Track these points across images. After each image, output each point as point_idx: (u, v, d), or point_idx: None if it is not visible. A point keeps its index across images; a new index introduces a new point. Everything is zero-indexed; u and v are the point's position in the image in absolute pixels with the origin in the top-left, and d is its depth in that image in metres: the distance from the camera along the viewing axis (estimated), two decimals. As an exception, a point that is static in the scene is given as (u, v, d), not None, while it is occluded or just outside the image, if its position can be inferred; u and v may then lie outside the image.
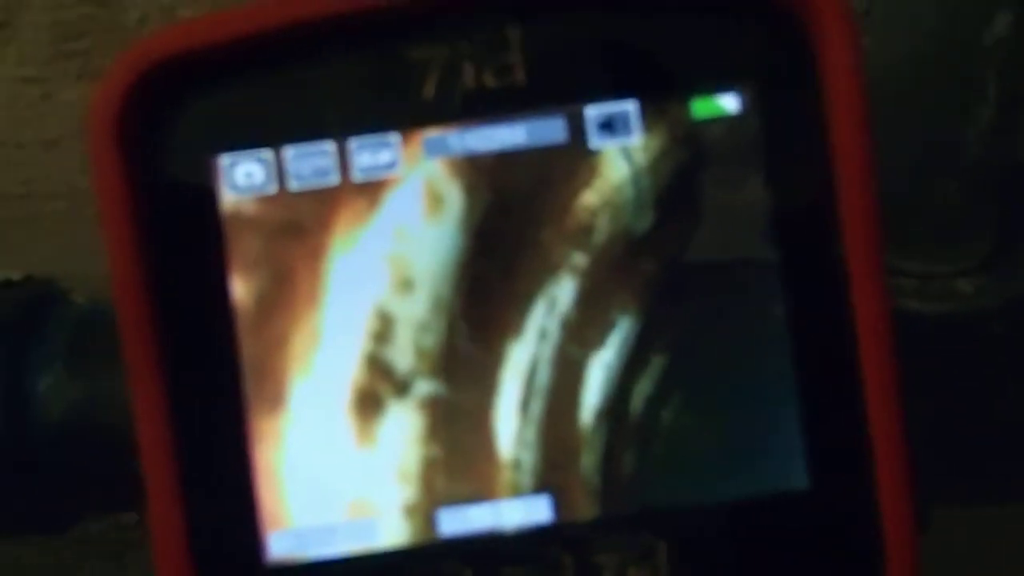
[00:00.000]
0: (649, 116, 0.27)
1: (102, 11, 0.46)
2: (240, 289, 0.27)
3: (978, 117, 0.36)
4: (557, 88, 0.27)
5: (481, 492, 0.27)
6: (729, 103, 0.27)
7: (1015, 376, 0.42)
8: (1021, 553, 0.62)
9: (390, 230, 0.27)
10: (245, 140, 0.27)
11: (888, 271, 0.40)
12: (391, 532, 0.27)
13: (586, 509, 0.27)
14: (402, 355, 0.27)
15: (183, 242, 0.27)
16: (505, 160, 0.27)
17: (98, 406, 0.44)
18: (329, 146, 0.27)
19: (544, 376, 0.27)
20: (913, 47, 0.36)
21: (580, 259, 0.27)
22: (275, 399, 0.27)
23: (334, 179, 0.27)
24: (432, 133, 0.27)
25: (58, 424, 0.44)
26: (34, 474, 0.44)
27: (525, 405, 0.27)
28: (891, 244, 0.40)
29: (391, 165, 0.27)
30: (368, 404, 0.27)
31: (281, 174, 0.27)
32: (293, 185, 0.27)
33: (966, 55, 0.35)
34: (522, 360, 0.27)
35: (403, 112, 0.27)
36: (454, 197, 0.27)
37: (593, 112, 0.27)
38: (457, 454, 0.27)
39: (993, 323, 0.39)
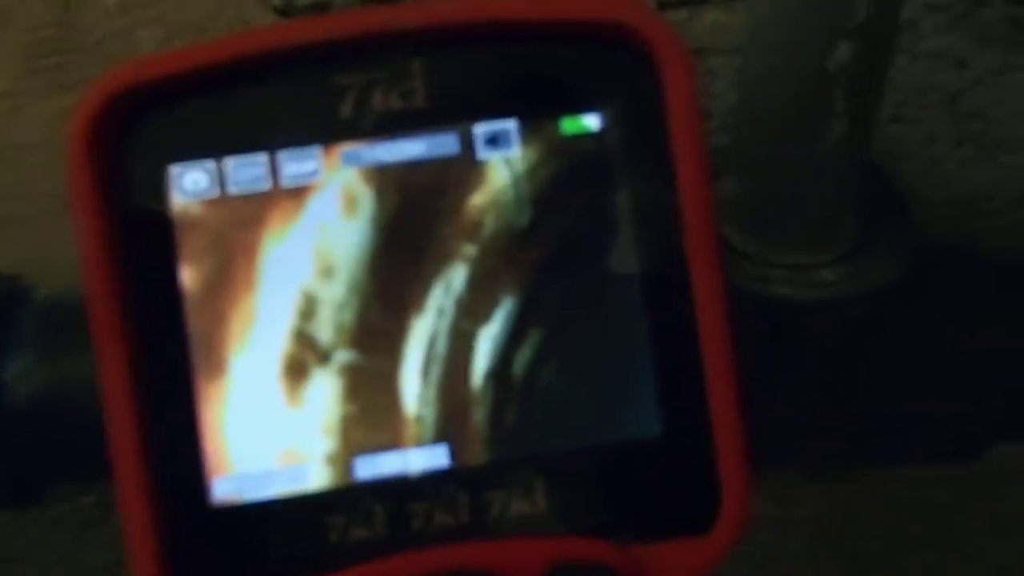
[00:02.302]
0: (527, 132, 0.29)
1: (69, 32, 0.46)
2: (188, 276, 0.29)
3: (831, 129, 0.38)
4: (451, 109, 0.29)
5: (390, 442, 0.29)
6: (592, 122, 0.29)
7: (870, 353, 0.45)
8: (868, 517, 0.65)
9: (314, 227, 0.29)
10: (192, 152, 0.29)
11: (761, 262, 0.43)
12: (316, 477, 0.29)
13: (478, 455, 0.29)
14: (324, 330, 0.29)
15: (141, 237, 0.29)
16: (408, 169, 0.29)
17: (61, 390, 0.47)
18: (262, 157, 0.29)
19: (442, 346, 0.29)
20: (776, 72, 0.38)
21: (471, 249, 0.29)
22: (218, 367, 0.29)
23: (266, 185, 0.29)
24: (348, 147, 0.29)
25: (25, 406, 0.46)
26: (2, 452, 0.47)
27: (426, 370, 0.29)
28: (765, 239, 0.43)
29: (314, 173, 0.29)
30: (296, 371, 0.29)
31: (222, 181, 0.29)
32: (232, 190, 0.29)
33: (816, 78, 0.37)
34: (423, 333, 0.29)
35: (324, 129, 0.29)
36: (366, 199, 0.29)
37: (481, 129, 0.29)
38: (370, 411, 0.29)
39: (853, 307, 0.41)
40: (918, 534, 0.65)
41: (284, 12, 0.46)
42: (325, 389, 0.29)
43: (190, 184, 0.29)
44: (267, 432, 0.29)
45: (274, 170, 0.29)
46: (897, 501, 0.63)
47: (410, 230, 0.29)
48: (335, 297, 0.29)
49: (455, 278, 0.29)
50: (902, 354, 0.45)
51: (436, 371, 0.29)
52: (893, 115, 0.48)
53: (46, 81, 0.48)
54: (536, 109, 0.29)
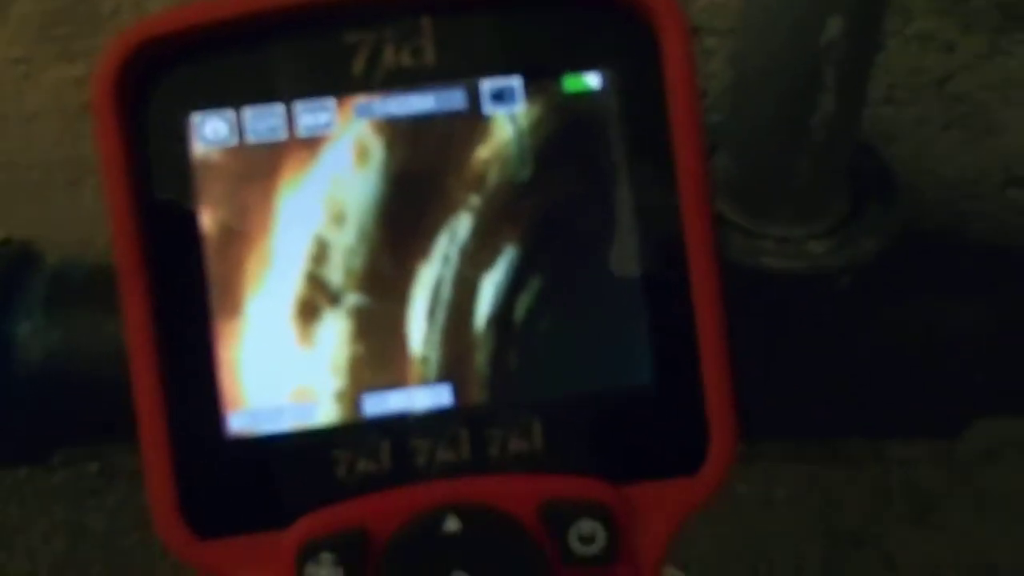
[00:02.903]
0: (530, 89, 0.30)
1: (81, 3, 0.47)
2: (207, 221, 0.30)
3: (821, 104, 0.40)
4: (458, 66, 0.30)
5: (396, 381, 0.30)
6: (592, 80, 0.30)
7: (855, 322, 0.46)
8: (849, 497, 0.66)
9: (327, 176, 0.30)
10: (212, 102, 0.30)
11: (751, 234, 0.44)
12: (326, 412, 0.30)
13: (479, 395, 0.30)
14: (335, 274, 0.30)
15: (163, 183, 0.30)
16: (417, 122, 0.30)
17: (72, 351, 0.48)
18: (279, 108, 0.30)
19: (446, 291, 0.30)
20: (769, 49, 0.39)
21: (475, 200, 0.30)
22: (234, 308, 0.30)
23: (283, 135, 0.30)
24: (361, 100, 0.30)
25: (37, 366, 0.48)
26: (13, 411, 0.48)
27: (431, 314, 0.30)
28: (753, 212, 0.44)
29: (328, 124, 0.30)
30: (308, 312, 0.30)
31: (241, 130, 0.30)
32: (250, 139, 0.30)
33: (807, 53, 0.38)
34: (429, 279, 0.30)
35: (338, 82, 0.30)
36: (377, 151, 0.30)
37: (487, 85, 0.30)
38: (378, 351, 0.30)
39: (838, 279, 0.43)
40: (900, 514, 0.65)
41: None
42: (335, 330, 0.30)
43: (210, 132, 0.30)
44: (280, 370, 0.30)
45: (290, 120, 0.30)
46: (879, 481, 0.64)
47: (418, 181, 0.30)
48: (346, 243, 0.30)
49: (460, 227, 0.30)
50: (887, 331, 0.47)
51: (441, 315, 0.30)
52: (885, 97, 0.49)
53: (57, 49, 0.49)
54: (540, 67, 0.30)
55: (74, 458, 0.61)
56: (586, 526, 0.29)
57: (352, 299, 0.30)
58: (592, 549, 0.29)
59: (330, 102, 0.30)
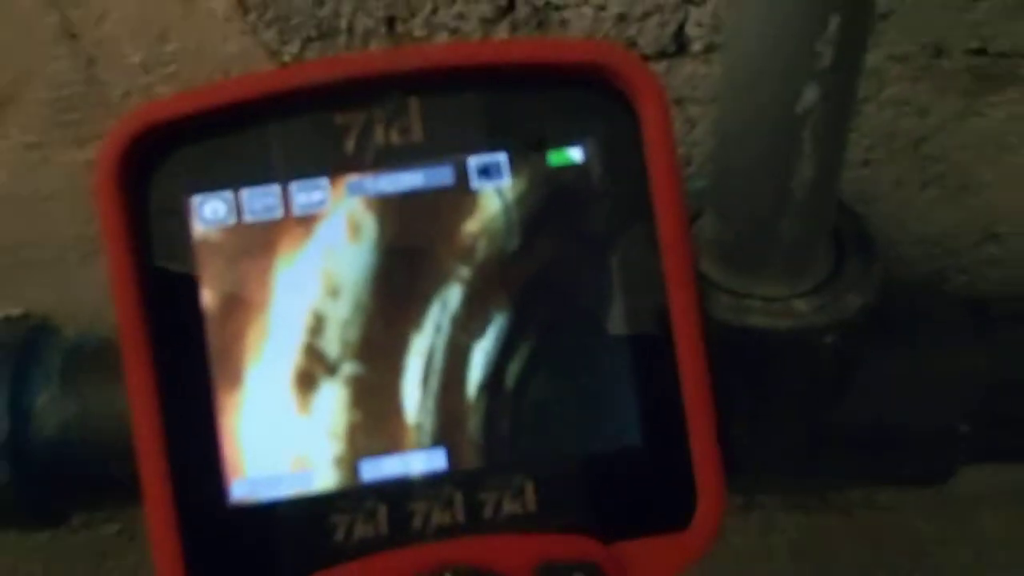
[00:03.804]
0: (516, 164, 0.30)
1: (92, 89, 0.47)
2: (208, 297, 0.30)
3: (800, 169, 0.39)
4: (446, 144, 0.30)
5: (392, 447, 0.30)
6: (576, 154, 0.30)
7: (841, 376, 0.46)
8: (846, 544, 0.65)
9: (321, 251, 0.30)
10: (211, 184, 0.30)
11: (737, 294, 0.44)
12: (324, 479, 0.30)
13: (473, 459, 0.30)
14: (332, 344, 0.30)
15: (165, 261, 0.30)
16: (408, 198, 0.30)
17: (86, 420, 0.47)
18: (275, 188, 0.30)
19: (439, 359, 0.30)
20: (749, 117, 0.38)
21: (465, 271, 0.30)
22: (235, 379, 0.30)
23: (278, 213, 0.30)
24: (353, 178, 0.30)
25: (53, 435, 0.47)
26: (32, 477, 0.47)
27: (425, 381, 0.30)
28: (739, 273, 0.44)
29: (322, 202, 0.30)
30: (306, 382, 0.30)
31: (239, 209, 0.30)
32: (247, 218, 0.30)
33: (786, 120, 0.37)
34: (422, 347, 0.30)
35: (331, 162, 0.30)
36: (370, 226, 0.30)
37: (474, 161, 0.30)
38: (374, 418, 0.30)
39: (824, 336, 0.42)
40: (896, 561, 0.64)
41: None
42: (333, 398, 0.30)
43: (209, 213, 0.30)
44: (279, 438, 0.30)
45: (286, 199, 0.30)
46: (874, 529, 0.64)
47: (410, 254, 0.30)
48: (341, 315, 0.30)
49: (451, 297, 0.30)
50: (874, 383, 0.46)
51: (434, 382, 0.30)
52: (863, 160, 0.49)
53: (70, 134, 0.49)
54: (525, 143, 0.30)
55: (94, 520, 0.60)
56: (580, 585, 0.29)
57: (348, 368, 0.30)
58: (587, 606, 0.29)
59: (323, 181, 0.30)
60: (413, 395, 0.30)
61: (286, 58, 0.46)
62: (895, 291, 0.45)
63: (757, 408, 0.45)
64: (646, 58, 0.46)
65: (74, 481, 0.47)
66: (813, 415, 0.46)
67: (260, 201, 0.30)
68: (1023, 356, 0.46)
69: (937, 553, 0.64)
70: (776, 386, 0.44)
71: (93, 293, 0.53)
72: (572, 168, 0.30)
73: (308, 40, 0.45)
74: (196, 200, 0.30)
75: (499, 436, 0.30)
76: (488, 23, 0.44)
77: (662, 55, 0.46)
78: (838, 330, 0.41)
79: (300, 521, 0.30)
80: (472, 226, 0.30)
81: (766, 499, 0.63)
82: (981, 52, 0.46)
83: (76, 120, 0.49)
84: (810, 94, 0.36)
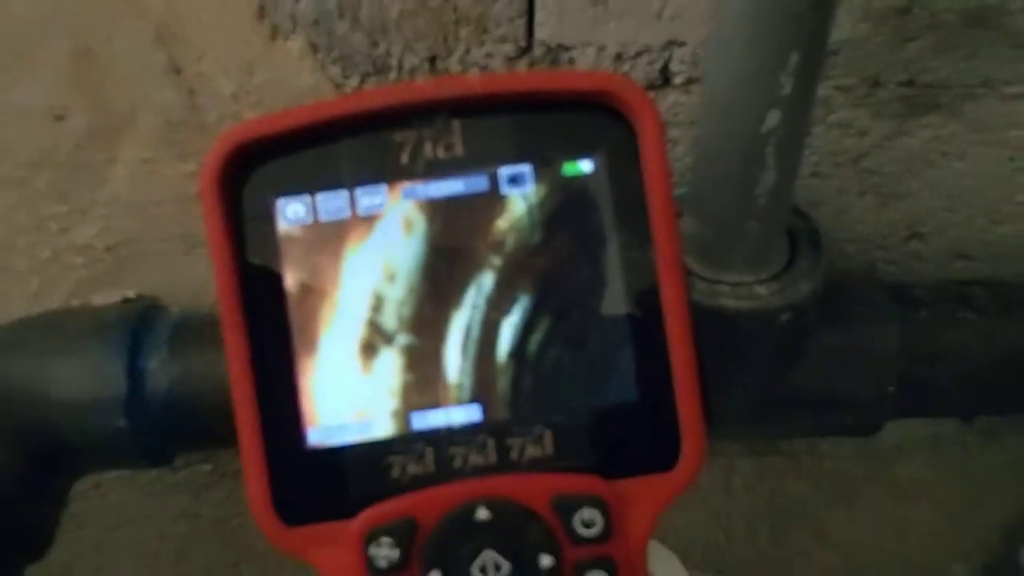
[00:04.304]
0: (538, 173, 0.30)
1: (193, 114, 0.47)
2: (290, 281, 0.30)
3: (763, 179, 0.39)
4: (482, 157, 0.30)
5: (437, 402, 0.30)
6: (586, 166, 0.30)
7: (793, 348, 0.46)
8: (791, 484, 0.65)
9: (381, 244, 0.30)
10: (293, 190, 0.30)
11: (711, 281, 0.44)
12: (382, 427, 0.30)
13: (502, 412, 0.30)
14: (389, 320, 0.30)
15: (256, 254, 0.30)
16: (450, 201, 0.30)
17: (189, 381, 0.48)
18: (344, 193, 0.30)
19: (475, 331, 0.30)
20: (721, 136, 0.38)
21: (496, 261, 0.30)
22: (311, 347, 0.30)
23: (347, 214, 0.30)
24: (407, 184, 0.30)
25: (162, 393, 0.47)
26: (145, 427, 0.48)
27: (464, 349, 0.30)
28: (712, 263, 0.43)
29: (381, 205, 0.30)
30: (368, 349, 0.30)
31: (315, 211, 0.30)
32: (322, 218, 0.30)
33: (752, 139, 0.37)
34: (462, 322, 0.30)
35: (389, 171, 0.30)
36: (420, 224, 0.30)
37: (504, 172, 0.30)
38: (422, 379, 0.30)
39: (780, 315, 0.42)
40: (832, 498, 0.64)
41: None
42: (389, 363, 0.30)
43: (291, 213, 0.30)
44: (347, 394, 0.30)
45: (352, 202, 0.30)
46: (814, 471, 0.64)
47: (452, 246, 0.30)
48: (397, 296, 0.30)
49: (485, 282, 0.30)
50: (820, 354, 0.46)
51: (471, 349, 0.30)
52: (812, 172, 0.48)
53: (176, 151, 0.49)
54: (545, 156, 0.30)
55: (191, 460, 0.61)
56: (587, 513, 0.29)
57: (402, 339, 0.30)
58: (593, 531, 0.29)
59: (383, 187, 0.30)
60: (454, 360, 0.30)
61: (347, 89, 0.46)
62: (836, 278, 0.45)
63: (726, 373, 0.45)
64: (637, 89, 0.45)
65: (178, 430, 0.48)
66: (771, 379, 0.46)
67: (331, 204, 0.30)
68: (937, 331, 0.46)
69: (864, 491, 0.64)
70: (741, 355, 0.44)
71: (194, 279, 0.53)
72: (582, 177, 0.30)
73: (366, 75, 0.45)
74: (281, 203, 0.30)
75: (523, 393, 0.30)
76: (511, 60, 0.44)
77: (651, 87, 0.46)
78: (792, 310, 0.42)
79: (363, 461, 0.29)
80: (502, 224, 0.30)
81: (728, 446, 0.63)
82: (911, 84, 0.46)
83: (181, 140, 0.49)
84: (773, 118, 0.36)
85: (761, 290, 0.42)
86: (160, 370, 0.48)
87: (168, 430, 0.48)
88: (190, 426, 0.48)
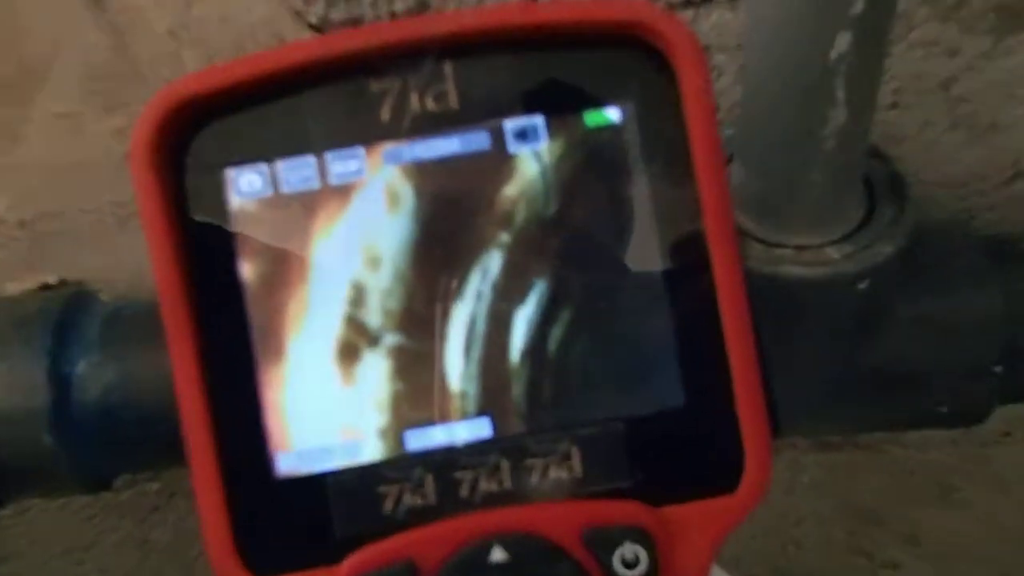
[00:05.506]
0: (553, 126, 0.29)
1: (121, 56, 0.46)
2: (247, 270, 0.29)
3: (832, 117, 0.38)
4: (481, 108, 0.29)
5: (437, 416, 0.30)
6: (613, 114, 0.29)
7: (874, 323, 0.45)
8: (869, 480, 0.65)
9: (360, 221, 0.29)
10: (246, 156, 0.29)
11: (769, 243, 0.43)
12: (371, 449, 0.30)
13: (517, 426, 0.30)
14: (373, 315, 0.30)
15: (203, 236, 0.29)
16: (444, 164, 0.29)
17: (128, 385, 0.48)
18: (310, 159, 0.29)
19: (481, 327, 0.30)
20: (778, 66, 0.38)
21: (504, 237, 0.30)
22: (277, 353, 0.29)
23: (315, 184, 0.29)
24: (389, 146, 0.29)
25: (95, 402, 0.47)
26: (76, 445, 0.47)
27: (468, 349, 0.30)
28: (770, 222, 0.43)
29: (358, 171, 0.29)
30: (349, 353, 0.30)
31: (275, 181, 0.29)
32: (284, 189, 0.29)
33: (817, 69, 0.36)
34: (464, 315, 0.30)
35: (366, 130, 0.29)
36: (407, 194, 0.30)
37: (510, 125, 0.29)
38: (417, 388, 0.30)
39: (856, 283, 0.41)
40: (922, 496, 0.64)
41: (319, 29, 0.46)
42: (376, 369, 0.30)
43: (245, 185, 0.30)
44: (324, 410, 0.30)
45: (322, 170, 0.29)
46: (899, 464, 0.63)
47: (448, 221, 0.30)
48: (381, 285, 0.30)
49: (491, 264, 0.30)
50: (906, 328, 0.45)
51: (477, 350, 0.30)
52: (891, 102, 0.48)
53: (101, 102, 0.48)
54: (561, 105, 0.29)
55: (136, 479, 0.61)
56: (629, 550, 0.29)
57: (390, 339, 0.30)
58: (636, 572, 0.29)
59: (359, 150, 0.30)
60: (456, 364, 0.29)
61: (312, 19, 0.45)
62: (924, 233, 0.44)
63: (789, 356, 0.44)
64: (672, 6, 0.45)
65: (117, 446, 0.47)
66: (845, 362, 0.45)
67: (296, 172, 0.29)
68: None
69: (962, 486, 0.63)
70: (807, 334, 0.44)
71: (130, 259, 0.53)
72: (609, 129, 0.29)
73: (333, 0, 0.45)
74: (231, 173, 0.29)
75: (543, 402, 0.30)
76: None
77: (688, 3, 0.45)
78: (870, 277, 0.41)
79: (347, 492, 0.29)
80: (510, 191, 0.29)
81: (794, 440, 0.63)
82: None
83: (106, 88, 0.48)
84: (843, 41, 0.35)
85: (832, 253, 0.42)
86: (91, 374, 0.47)
87: (104, 447, 0.47)
88: (131, 441, 0.48)
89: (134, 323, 0.49)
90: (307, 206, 0.29)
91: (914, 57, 0.48)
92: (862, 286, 0.42)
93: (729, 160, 0.43)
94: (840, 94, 0.37)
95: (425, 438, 0.30)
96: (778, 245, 0.42)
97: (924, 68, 0.48)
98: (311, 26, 0.46)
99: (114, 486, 0.52)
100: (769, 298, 0.42)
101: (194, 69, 0.49)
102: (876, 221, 0.43)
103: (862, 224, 0.43)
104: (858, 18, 0.35)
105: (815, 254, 0.42)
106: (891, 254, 0.41)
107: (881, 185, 0.44)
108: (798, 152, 0.40)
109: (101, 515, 0.63)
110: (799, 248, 0.42)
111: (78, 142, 0.49)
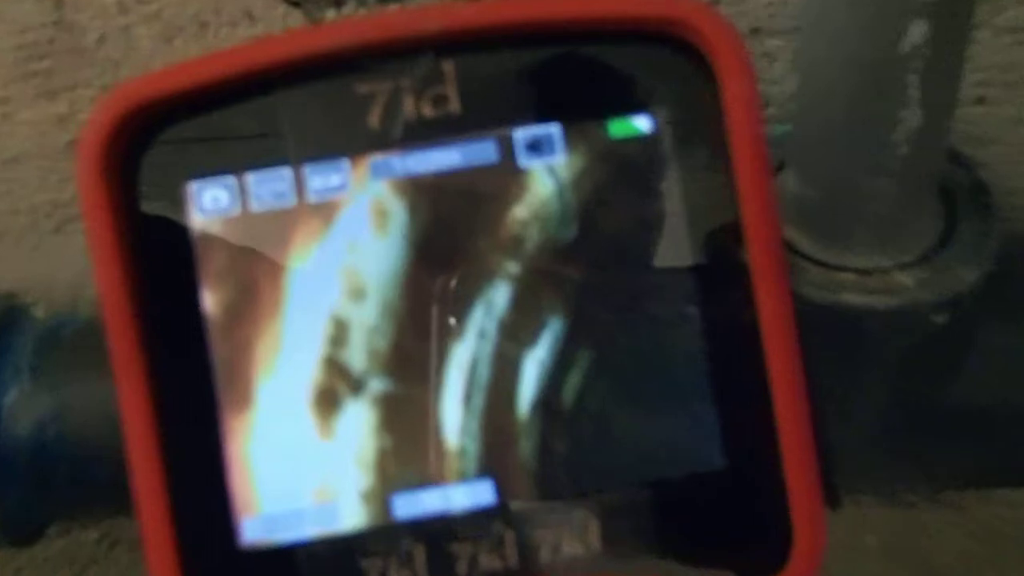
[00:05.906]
0: (571, 136, 0.30)
1: (63, 32, 0.47)
2: (210, 300, 0.30)
3: (904, 119, 0.38)
4: (488, 114, 0.30)
5: (430, 478, 0.30)
6: (643, 124, 0.30)
7: (954, 363, 0.46)
8: (949, 543, 0.65)
9: (342, 245, 0.30)
10: (211, 168, 0.30)
11: (827, 266, 0.44)
12: (351, 516, 0.30)
13: (525, 491, 0.30)
14: (357, 356, 0.30)
15: (160, 259, 0.30)
16: (443, 180, 0.30)
17: (63, 419, 0.48)
18: (286, 171, 0.30)
19: (484, 372, 0.30)
20: (840, 56, 0.38)
21: (513, 266, 0.30)
22: (243, 398, 0.30)
23: (291, 200, 0.30)
24: (377, 157, 0.30)
25: (26, 437, 0.47)
26: (1, 486, 0.48)
27: (468, 398, 0.30)
28: (829, 240, 0.43)
29: (342, 187, 0.30)
30: (327, 401, 0.30)
31: (244, 197, 0.30)
32: (254, 207, 0.30)
33: (887, 62, 0.37)
34: (464, 358, 0.30)
35: (351, 139, 0.30)
36: (398, 214, 0.30)
37: (521, 135, 0.30)
38: (408, 444, 0.30)
39: (933, 315, 0.41)
40: (1007, 559, 0.64)
41: (295, 3, 0.46)
42: (359, 420, 0.30)
43: (210, 202, 0.30)
44: (298, 468, 0.30)
45: (299, 185, 0.30)
46: (982, 522, 0.63)
47: (447, 246, 0.30)
48: (367, 321, 0.30)
49: (496, 298, 0.30)
50: (992, 365, 0.46)
51: (478, 399, 0.30)
52: (976, 97, 0.48)
53: (38, 86, 0.49)
54: (581, 112, 0.30)
55: (72, 527, 0.61)
56: (655, 640, 0.29)
57: (376, 385, 0.30)
58: (665, 667, 0.29)
59: (343, 162, 0.30)
60: (454, 415, 0.30)
61: (289, -6, 0.46)
62: (1015, 252, 0.44)
63: (852, 400, 0.44)
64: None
65: (51, 490, 0.48)
66: (919, 407, 0.45)
67: (269, 187, 0.30)
68: None
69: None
70: (873, 374, 0.44)
71: (69, 267, 0.53)
72: (637, 140, 0.30)
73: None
74: (194, 187, 0.30)
75: (556, 463, 0.30)
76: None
77: (736, -20, 0.46)
78: (950, 308, 0.41)
79: (323, 567, 0.30)
80: (520, 212, 0.30)
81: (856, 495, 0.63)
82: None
83: (44, 70, 0.48)
84: (916, 31, 0.36)
85: (903, 279, 0.42)
86: (21, 404, 0.47)
87: (35, 490, 0.48)
88: (67, 484, 0.48)
89: (73, 345, 0.50)
90: (281, 226, 0.30)
91: (1002, 45, 0.48)
92: (940, 319, 0.42)
93: (779, 168, 0.43)
94: (914, 92, 0.38)
95: (415, 503, 0.30)
96: (839, 268, 0.42)
97: (1014, 57, 0.48)
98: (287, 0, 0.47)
99: (46, 535, 0.52)
100: (827, 332, 0.42)
101: (148, 47, 0.49)
102: (956, 240, 0.43)
103: (940, 244, 0.43)
104: (934, 3, 0.36)
105: (883, 279, 0.42)
106: (974, 280, 0.42)
107: (962, 196, 0.44)
108: (863, 158, 0.40)
109: (28, 569, 0.63)
110: (863, 272, 0.42)
111: (9, 132, 0.50)
